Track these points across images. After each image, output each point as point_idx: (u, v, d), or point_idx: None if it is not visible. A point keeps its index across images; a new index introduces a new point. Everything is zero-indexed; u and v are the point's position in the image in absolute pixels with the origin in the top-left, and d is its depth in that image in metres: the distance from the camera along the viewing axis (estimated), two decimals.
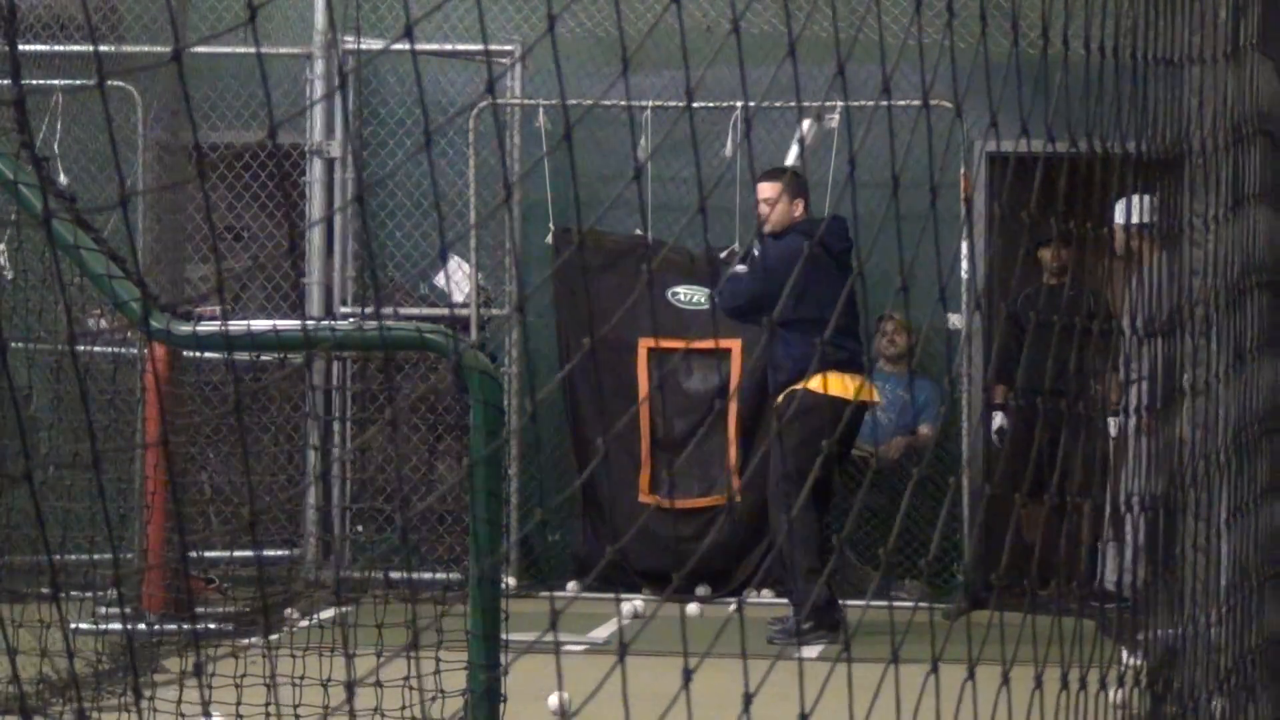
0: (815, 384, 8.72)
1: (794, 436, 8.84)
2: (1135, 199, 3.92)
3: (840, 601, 8.98)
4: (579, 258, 10.45)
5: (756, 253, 9.35)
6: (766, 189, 9.35)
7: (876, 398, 9.20)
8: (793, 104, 10.99)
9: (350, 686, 1.87)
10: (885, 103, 2.39)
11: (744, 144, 10.81)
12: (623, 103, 10.87)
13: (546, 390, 10.42)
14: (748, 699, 2.09)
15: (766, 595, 10.64)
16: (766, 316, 9.09)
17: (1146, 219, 4.27)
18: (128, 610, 8.33)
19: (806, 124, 9.27)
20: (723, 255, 10.65)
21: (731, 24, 2.09)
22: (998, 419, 10.69)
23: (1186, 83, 3.86)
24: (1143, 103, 3.61)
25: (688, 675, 2.07)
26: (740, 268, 9.37)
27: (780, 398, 9.07)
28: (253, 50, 10.89)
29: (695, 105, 11.23)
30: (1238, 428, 3.93)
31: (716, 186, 10.95)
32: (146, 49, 11.02)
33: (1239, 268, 3.98)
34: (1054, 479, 3.61)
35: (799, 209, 9.30)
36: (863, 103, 9.31)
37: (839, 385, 8.77)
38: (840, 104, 10.29)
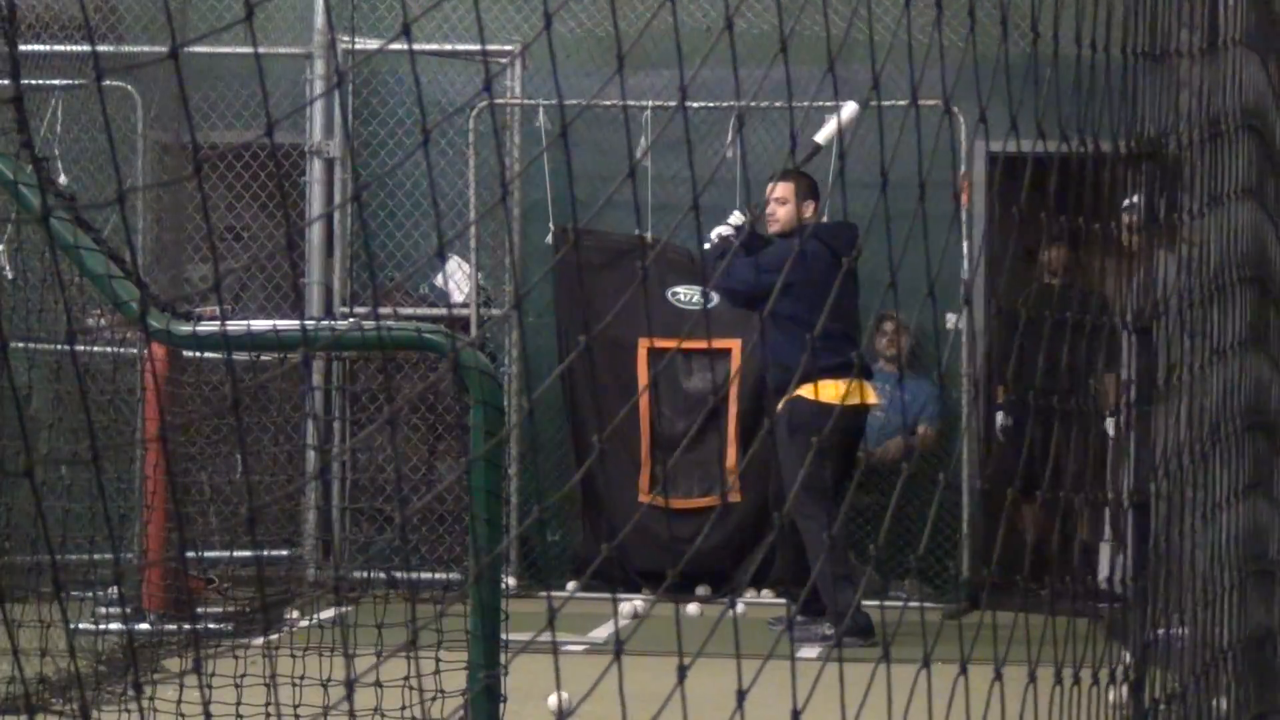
0: (812, 391, 8.73)
1: (801, 447, 8.83)
2: (1137, 196, 3.92)
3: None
4: (578, 258, 10.45)
5: (717, 234, 9.34)
6: (779, 189, 9.32)
7: (873, 399, 9.18)
8: (793, 104, 10.97)
9: (350, 686, 1.87)
10: (882, 102, 2.40)
11: (737, 143, 10.82)
12: (622, 103, 10.86)
13: (543, 387, 10.42)
14: (740, 695, 2.09)
15: (766, 595, 10.64)
16: (761, 312, 9.08)
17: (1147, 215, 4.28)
18: (128, 610, 8.33)
19: (850, 107, 8.93)
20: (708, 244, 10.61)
21: (742, 26, 2.10)
22: (1000, 417, 10.70)
23: (1167, 77, 3.86)
24: (1131, 97, 3.62)
25: (682, 673, 2.07)
26: (722, 231, 9.35)
27: (780, 404, 9.09)
28: (253, 50, 10.88)
29: (694, 105, 11.29)
30: (1218, 423, 3.93)
31: (716, 186, 10.95)
32: (146, 49, 11.02)
33: (1220, 263, 3.98)
34: (1054, 477, 3.61)
35: (809, 210, 9.28)
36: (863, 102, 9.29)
37: (837, 391, 8.77)
38: (837, 104, 10.30)
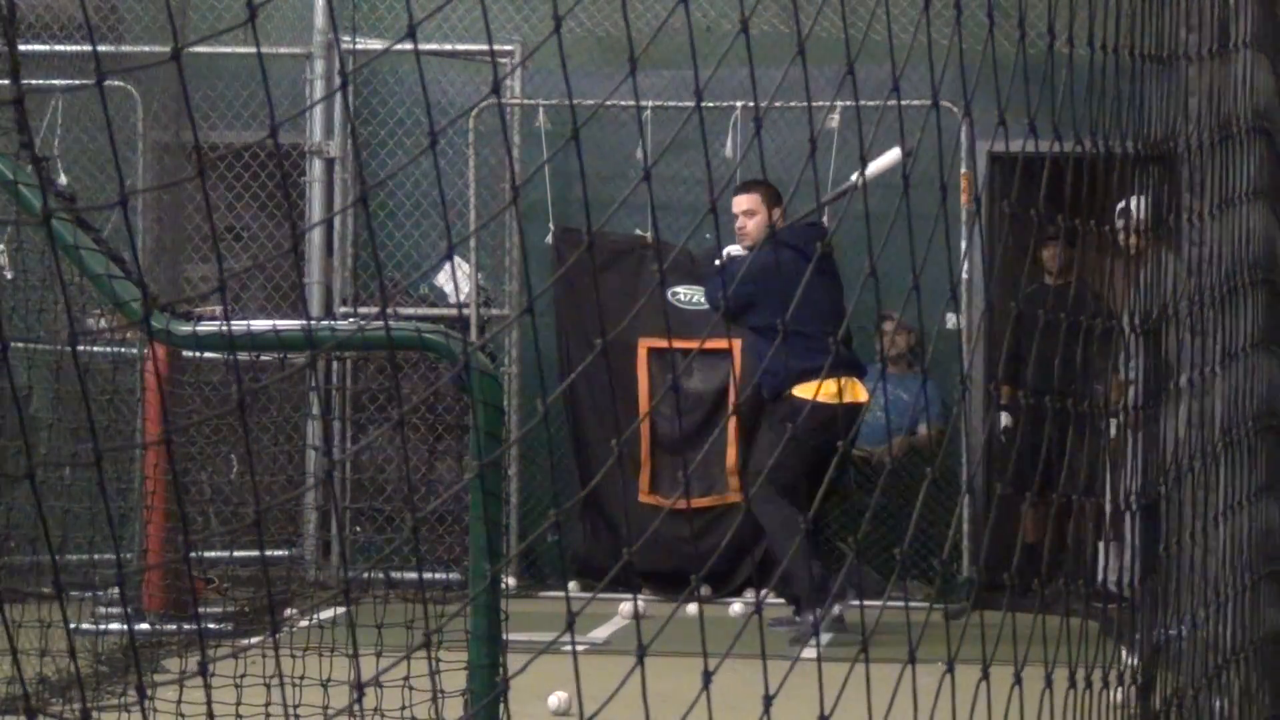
0: (799, 391, 8.79)
1: (775, 439, 8.94)
2: (1137, 197, 3.92)
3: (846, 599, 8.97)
4: (580, 258, 10.46)
5: (728, 254, 9.39)
6: (745, 201, 9.33)
7: (863, 396, 9.14)
8: (793, 104, 10.98)
9: (357, 687, 1.87)
10: (892, 103, 2.40)
11: (753, 144, 10.82)
12: (624, 103, 10.88)
13: (555, 394, 10.42)
14: (768, 700, 2.09)
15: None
16: (755, 322, 9.11)
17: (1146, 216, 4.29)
18: (128, 610, 8.32)
19: (894, 153, 9.06)
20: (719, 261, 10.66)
21: (740, 24, 2.10)
22: (1003, 418, 10.67)
23: (1174, 80, 3.86)
24: (1139, 100, 3.61)
25: (707, 677, 2.07)
26: (733, 251, 9.42)
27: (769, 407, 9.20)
28: (253, 50, 10.89)
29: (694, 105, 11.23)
30: (1230, 425, 3.93)
31: (716, 187, 10.95)
32: (146, 49, 11.02)
33: (1230, 265, 3.98)
34: (1056, 478, 3.61)
35: (776, 216, 9.31)
36: (867, 103, 9.27)
37: (817, 391, 8.85)
38: (840, 104, 10.30)
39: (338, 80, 11.38)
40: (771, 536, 9.00)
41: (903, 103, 2.58)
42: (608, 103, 10.80)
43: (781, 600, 9.90)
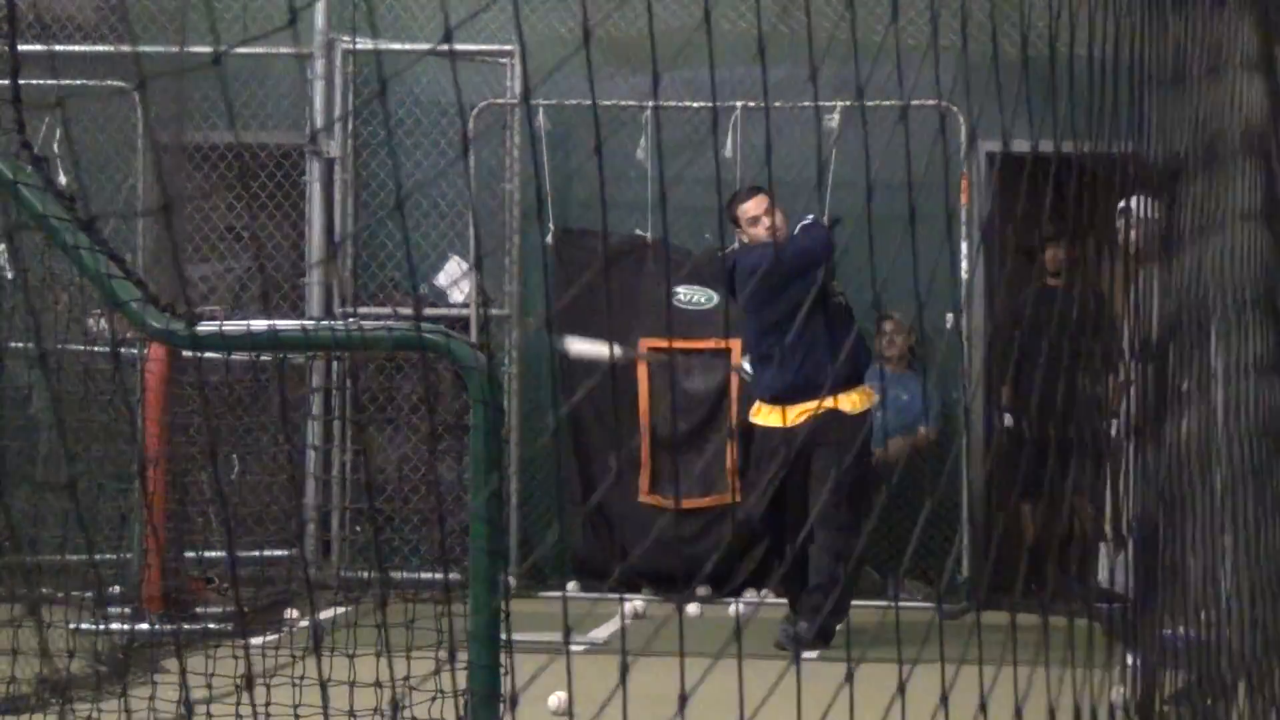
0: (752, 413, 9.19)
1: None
2: (1138, 199, 3.92)
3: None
4: (577, 258, 10.47)
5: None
6: (764, 200, 9.12)
7: (792, 421, 9.12)
8: (793, 104, 10.99)
9: (353, 686, 1.87)
10: (889, 102, 2.40)
11: (726, 143, 10.83)
12: (623, 103, 10.89)
13: (569, 406, 10.43)
14: (741, 696, 2.09)
15: (767, 595, 10.63)
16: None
17: (1149, 217, 4.29)
18: (128, 610, 8.33)
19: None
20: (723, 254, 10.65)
21: (717, 23, 2.10)
22: (1006, 419, 10.67)
23: (1183, 96, 3.86)
24: (1138, 112, 3.61)
25: (684, 678, 2.07)
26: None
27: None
28: (253, 50, 10.90)
29: (695, 105, 11.29)
30: (1243, 440, 3.92)
31: (713, 187, 10.96)
32: (147, 49, 11.02)
33: (1234, 284, 3.97)
34: (1055, 480, 3.61)
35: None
36: (845, 103, 9.26)
37: (762, 416, 9.09)
38: (839, 104, 10.30)
39: (338, 80, 11.37)
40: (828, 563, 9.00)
41: (887, 102, 2.59)
42: (607, 102, 10.80)
43: (784, 601, 9.89)
